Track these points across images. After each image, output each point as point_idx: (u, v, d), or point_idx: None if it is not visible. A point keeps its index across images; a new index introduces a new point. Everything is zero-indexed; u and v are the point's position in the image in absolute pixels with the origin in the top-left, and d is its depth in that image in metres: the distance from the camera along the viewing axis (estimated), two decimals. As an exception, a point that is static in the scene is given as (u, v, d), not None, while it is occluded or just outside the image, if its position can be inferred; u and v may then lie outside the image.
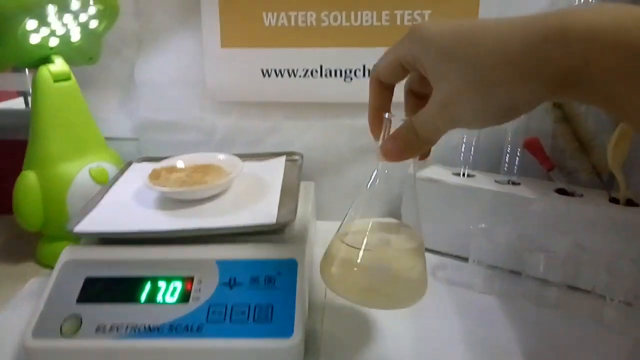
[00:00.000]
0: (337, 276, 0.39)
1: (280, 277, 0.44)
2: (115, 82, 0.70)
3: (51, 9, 0.51)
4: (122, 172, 0.61)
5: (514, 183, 0.58)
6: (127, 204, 0.53)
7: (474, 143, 0.61)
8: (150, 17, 0.66)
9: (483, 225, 0.53)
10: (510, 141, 0.59)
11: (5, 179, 0.58)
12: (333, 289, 0.39)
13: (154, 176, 0.55)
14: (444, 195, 0.58)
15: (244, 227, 0.47)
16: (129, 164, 0.64)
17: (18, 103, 0.86)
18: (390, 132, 0.35)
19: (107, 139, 0.65)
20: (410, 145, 0.32)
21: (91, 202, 0.53)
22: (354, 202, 0.40)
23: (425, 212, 0.60)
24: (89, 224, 0.49)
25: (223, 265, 0.45)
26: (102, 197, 0.54)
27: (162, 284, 0.44)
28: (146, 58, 0.67)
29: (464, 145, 0.61)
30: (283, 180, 0.57)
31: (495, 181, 0.58)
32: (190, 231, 0.47)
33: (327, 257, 0.40)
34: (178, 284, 0.44)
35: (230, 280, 0.44)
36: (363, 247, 0.38)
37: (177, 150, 0.69)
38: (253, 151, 0.66)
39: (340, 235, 0.40)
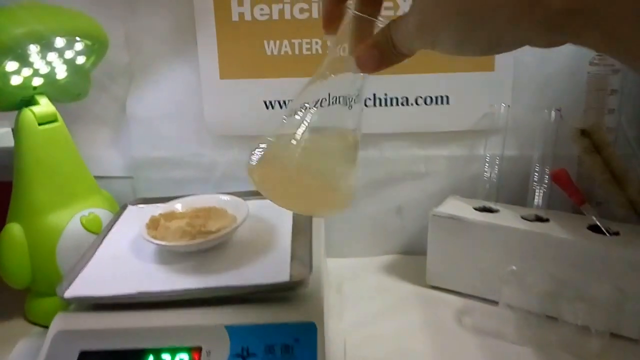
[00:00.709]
0: (260, 171, 0.35)
1: (299, 345, 0.39)
2: (106, 116, 0.65)
3: (33, 49, 0.46)
4: (116, 217, 0.56)
5: (541, 219, 0.54)
6: (123, 259, 0.49)
7: (495, 172, 0.57)
8: (141, 48, 0.61)
9: (514, 268, 0.49)
10: (536, 171, 0.55)
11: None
12: (254, 182, 0.35)
13: (152, 225, 0.50)
14: (466, 234, 0.54)
15: (254, 286, 0.42)
16: (124, 207, 0.59)
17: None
18: (354, 32, 0.32)
19: (98, 178, 0.60)
20: (387, 56, 0.30)
21: (83, 259, 0.48)
22: (301, 94, 0.35)
23: (446, 251, 0.57)
24: (81, 287, 0.44)
25: (234, 331, 0.40)
26: (95, 251, 0.50)
27: (166, 356, 0.39)
28: (138, 91, 0.63)
29: (486, 175, 0.57)
30: (293, 222, 0.53)
31: (522, 217, 0.54)
32: (195, 291, 0.42)
33: (256, 147, 0.35)
34: (184, 357, 0.39)
35: (242, 350, 0.39)
36: (290, 145, 0.33)
37: (174, 188, 0.65)
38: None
39: (273, 129, 0.35)
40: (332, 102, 0.34)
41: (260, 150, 0.35)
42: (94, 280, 0.45)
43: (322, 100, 0.34)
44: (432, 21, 0.25)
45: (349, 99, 0.34)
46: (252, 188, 0.59)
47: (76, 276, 0.45)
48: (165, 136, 0.63)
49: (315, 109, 0.34)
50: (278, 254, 0.47)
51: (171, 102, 0.63)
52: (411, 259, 0.64)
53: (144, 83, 0.62)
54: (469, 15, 0.23)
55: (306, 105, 0.34)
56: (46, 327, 0.54)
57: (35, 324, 0.55)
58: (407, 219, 0.64)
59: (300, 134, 0.33)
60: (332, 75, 0.34)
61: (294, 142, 0.33)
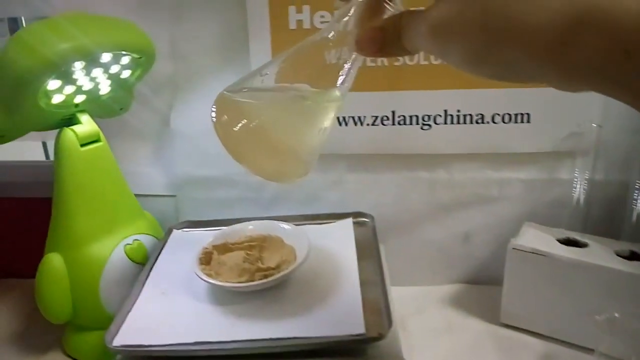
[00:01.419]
0: (225, 125, 0.32)
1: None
2: (147, 131, 0.60)
3: (78, 65, 0.41)
4: (162, 244, 0.52)
5: (638, 256, 0.47)
6: (173, 296, 0.44)
7: (582, 199, 0.51)
8: (188, 59, 0.56)
9: (617, 315, 0.43)
10: (634, 200, 0.48)
11: (28, 239, 0.51)
12: (219, 137, 0.32)
13: (205, 260, 0.45)
14: (551, 271, 0.48)
15: (327, 340, 0.37)
16: (169, 231, 0.55)
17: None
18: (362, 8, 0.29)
19: (139, 196, 0.56)
20: (389, 46, 0.27)
21: (130, 297, 0.43)
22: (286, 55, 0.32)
23: (526, 288, 0.51)
24: (130, 334, 0.39)
25: (304, 393, 0.36)
26: (142, 287, 0.45)
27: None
28: (183, 104, 0.58)
29: (574, 199, 0.51)
30: (358, 256, 0.48)
31: (615, 252, 0.48)
32: (259, 344, 0.37)
33: (223, 96, 0.32)
34: None
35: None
36: (254, 101, 0.32)
37: (220, 209, 0.60)
38: (310, 210, 0.56)
39: (238, 84, 0.33)
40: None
41: (228, 103, 0.32)
42: (143, 324, 0.41)
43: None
44: (450, 29, 0.23)
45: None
46: (304, 210, 0.56)
47: (124, 320, 0.41)
48: (212, 153, 0.58)
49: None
50: (346, 294, 0.42)
51: (218, 116, 0.58)
52: (479, 290, 0.58)
53: (190, 95, 0.57)
54: (493, 34, 0.21)
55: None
56: (88, 365, 0.50)
57: (75, 359, 0.51)
58: (475, 246, 0.58)
59: (272, 90, 0.31)
60: (331, 43, 0.31)
61: (264, 98, 0.32)
